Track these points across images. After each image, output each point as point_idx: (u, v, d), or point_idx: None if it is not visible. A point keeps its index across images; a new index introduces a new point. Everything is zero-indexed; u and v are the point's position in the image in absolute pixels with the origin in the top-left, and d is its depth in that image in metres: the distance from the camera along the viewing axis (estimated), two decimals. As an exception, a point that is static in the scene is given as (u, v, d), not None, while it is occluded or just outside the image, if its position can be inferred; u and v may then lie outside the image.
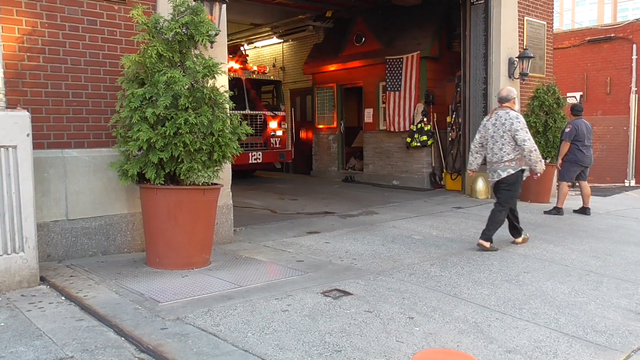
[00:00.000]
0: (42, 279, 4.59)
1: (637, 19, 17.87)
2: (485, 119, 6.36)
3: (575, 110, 8.78)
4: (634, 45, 16.42)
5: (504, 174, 6.04)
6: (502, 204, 6.08)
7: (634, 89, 16.49)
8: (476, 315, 3.95)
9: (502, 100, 6.15)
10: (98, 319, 3.79)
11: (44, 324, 3.67)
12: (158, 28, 5.05)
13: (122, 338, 3.47)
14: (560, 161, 8.63)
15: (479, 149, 6.33)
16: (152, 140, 4.78)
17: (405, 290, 4.49)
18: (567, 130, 8.55)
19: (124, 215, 5.58)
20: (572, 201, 9.12)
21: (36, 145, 4.72)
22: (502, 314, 3.99)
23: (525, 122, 6.06)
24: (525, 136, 5.91)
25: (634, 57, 16.44)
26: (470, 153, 6.51)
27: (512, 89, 6.24)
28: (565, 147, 8.52)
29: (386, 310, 4.00)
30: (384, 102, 12.85)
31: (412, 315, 3.92)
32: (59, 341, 3.37)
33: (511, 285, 4.74)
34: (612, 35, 16.96)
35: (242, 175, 13.17)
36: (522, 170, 6.13)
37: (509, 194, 6.09)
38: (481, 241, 5.96)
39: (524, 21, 10.42)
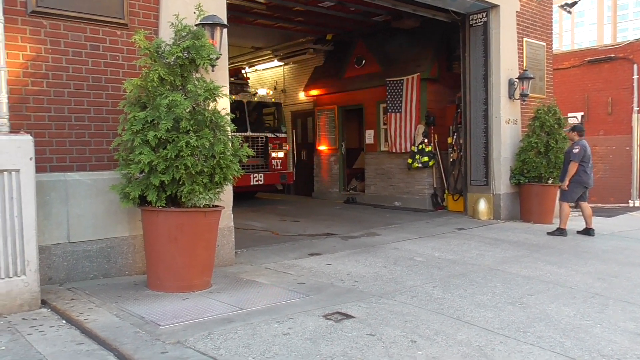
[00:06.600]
0: (43, 302, 4.57)
1: (637, 39, 17.93)
2: None
3: (580, 130, 8.75)
4: (635, 65, 16.47)
5: None
6: None
7: (635, 108, 16.50)
8: (479, 339, 3.91)
9: None
10: (98, 342, 3.76)
11: (44, 347, 3.64)
12: (160, 52, 5.11)
13: (122, 363, 3.45)
14: (567, 182, 8.54)
15: None
16: (153, 163, 4.80)
17: (408, 313, 4.45)
18: (575, 151, 8.46)
19: (125, 237, 5.57)
20: (575, 222, 9.08)
21: (39, 169, 4.74)
22: (506, 337, 3.95)
23: None
24: None
25: (635, 76, 16.46)
26: None
27: None
28: (574, 168, 8.42)
29: (388, 333, 3.96)
30: (385, 124, 12.90)
31: (415, 338, 3.88)
32: (58, 366, 3.35)
33: (515, 307, 4.70)
34: (613, 55, 17.03)
35: (244, 197, 13.17)
36: None
37: None
38: None
39: (523, 42, 10.51)
